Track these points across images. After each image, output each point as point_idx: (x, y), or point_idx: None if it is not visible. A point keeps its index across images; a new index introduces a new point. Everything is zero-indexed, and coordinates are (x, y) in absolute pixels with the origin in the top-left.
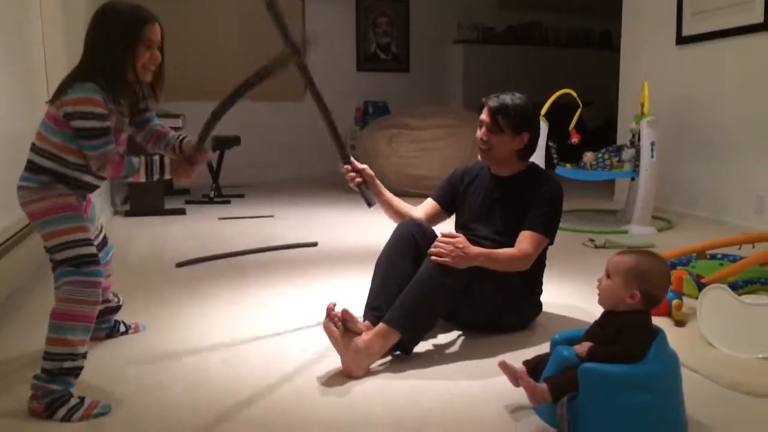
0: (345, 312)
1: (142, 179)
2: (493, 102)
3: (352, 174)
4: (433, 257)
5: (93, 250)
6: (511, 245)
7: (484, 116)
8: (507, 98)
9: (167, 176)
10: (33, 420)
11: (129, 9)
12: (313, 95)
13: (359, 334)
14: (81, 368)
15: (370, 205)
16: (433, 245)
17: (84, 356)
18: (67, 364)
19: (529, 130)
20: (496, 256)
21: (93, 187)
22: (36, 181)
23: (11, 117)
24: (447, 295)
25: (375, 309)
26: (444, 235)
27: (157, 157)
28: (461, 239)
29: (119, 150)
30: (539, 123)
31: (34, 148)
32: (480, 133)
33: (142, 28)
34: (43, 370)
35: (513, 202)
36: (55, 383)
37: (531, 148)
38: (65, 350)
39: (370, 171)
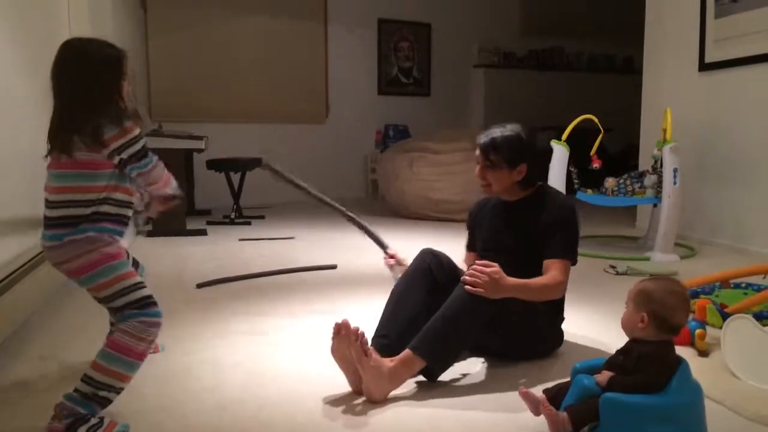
0: (356, 330)
1: (171, 189)
2: (483, 139)
3: (391, 262)
4: (466, 287)
5: (150, 292)
6: (524, 270)
7: (477, 153)
8: (497, 132)
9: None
10: None
11: (106, 47)
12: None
13: (370, 354)
14: (111, 402)
15: (395, 279)
16: (468, 273)
17: (120, 392)
18: (103, 394)
19: (525, 160)
20: (530, 286)
21: (128, 220)
22: (74, 234)
23: (37, 132)
24: (477, 324)
25: (381, 336)
26: (479, 264)
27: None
28: (496, 269)
29: None
30: (534, 151)
31: (58, 204)
32: (477, 170)
33: (123, 64)
34: (76, 391)
35: (523, 225)
36: (83, 407)
37: (532, 176)
38: (109, 381)
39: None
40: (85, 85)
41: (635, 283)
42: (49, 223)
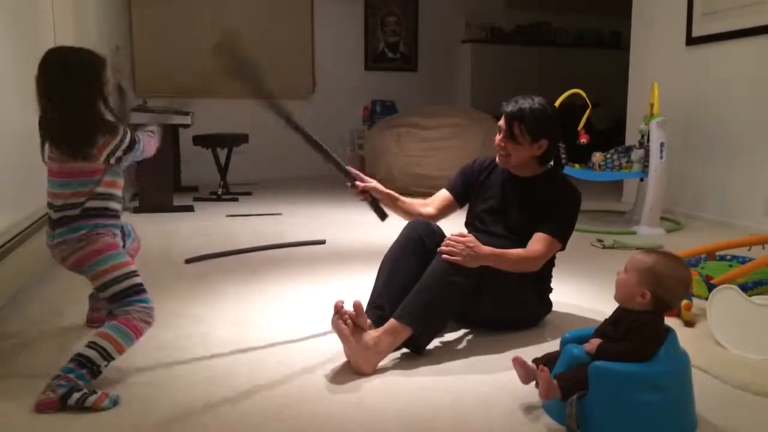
0: (358, 305)
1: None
2: (510, 108)
3: (359, 197)
4: (444, 256)
5: (141, 280)
6: (521, 244)
7: (501, 122)
8: (525, 104)
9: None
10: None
11: (89, 55)
12: (307, 140)
13: (365, 330)
14: (101, 373)
15: (382, 219)
16: (443, 243)
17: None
18: (102, 362)
19: (548, 137)
20: (507, 256)
21: (115, 212)
22: (70, 232)
23: (23, 112)
24: (457, 293)
25: (377, 307)
26: (455, 234)
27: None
28: (471, 238)
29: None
30: (558, 129)
31: (62, 207)
32: (498, 139)
33: (106, 71)
34: (80, 355)
35: (529, 202)
36: (77, 374)
37: (550, 153)
38: (113, 353)
39: (375, 185)
40: (67, 92)
41: (643, 253)
42: (52, 224)
